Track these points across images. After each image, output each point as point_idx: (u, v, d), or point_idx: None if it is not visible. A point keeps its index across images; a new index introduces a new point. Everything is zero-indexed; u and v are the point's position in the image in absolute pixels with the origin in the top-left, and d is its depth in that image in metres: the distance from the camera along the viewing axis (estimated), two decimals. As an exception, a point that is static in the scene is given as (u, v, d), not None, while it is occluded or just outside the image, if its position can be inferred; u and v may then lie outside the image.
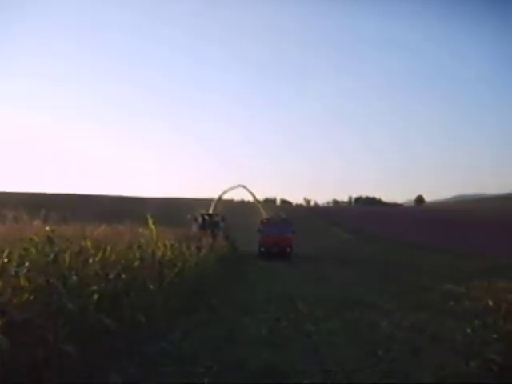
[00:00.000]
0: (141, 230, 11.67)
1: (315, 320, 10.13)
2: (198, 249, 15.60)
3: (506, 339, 8.38)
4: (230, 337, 8.24)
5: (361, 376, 6.26)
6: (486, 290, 15.65)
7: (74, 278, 5.86)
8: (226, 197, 44.95)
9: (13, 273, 5.03)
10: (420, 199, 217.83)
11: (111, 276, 6.92)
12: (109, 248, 7.75)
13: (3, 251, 5.33)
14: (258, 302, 12.58)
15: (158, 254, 10.26)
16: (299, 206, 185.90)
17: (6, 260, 5.18)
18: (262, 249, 34.13)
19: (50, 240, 6.19)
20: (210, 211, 36.78)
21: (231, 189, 44.52)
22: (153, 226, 11.14)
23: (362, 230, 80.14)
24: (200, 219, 33.70)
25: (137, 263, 8.41)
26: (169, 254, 11.15)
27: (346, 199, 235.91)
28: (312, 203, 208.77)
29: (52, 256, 5.84)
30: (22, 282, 4.94)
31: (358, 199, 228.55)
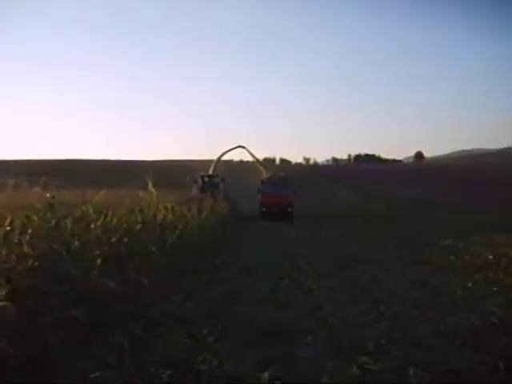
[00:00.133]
0: (141, 193, 11.63)
1: (317, 278, 10.22)
2: (199, 211, 15.64)
3: (505, 292, 8.49)
4: (233, 296, 8.33)
5: (363, 331, 6.35)
6: (486, 244, 15.73)
7: (77, 243, 5.88)
8: (225, 158, 44.76)
9: (16, 240, 5.05)
10: (419, 155, 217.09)
11: (113, 240, 6.96)
12: (110, 212, 7.75)
13: (5, 219, 5.32)
14: (261, 261, 12.67)
15: (159, 216, 10.29)
16: (298, 165, 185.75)
17: (8, 228, 5.18)
18: (263, 209, 33.77)
19: (51, 206, 6.19)
20: (210, 173, 36.57)
21: (231, 150, 44.35)
22: (153, 189, 11.13)
23: (362, 188, 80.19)
24: (200, 181, 33.43)
25: (138, 227, 8.42)
26: (170, 216, 11.17)
27: (345, 157, 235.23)
28: (311, 161, 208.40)
29: (54, 222, 5.84)
30: (26, 249, 4.96)
31: (358, 156, 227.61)
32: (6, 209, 6.83)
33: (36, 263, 4.85)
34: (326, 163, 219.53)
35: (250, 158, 50.08)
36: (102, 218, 7.29)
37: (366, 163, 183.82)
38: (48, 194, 6.73)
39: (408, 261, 12.65)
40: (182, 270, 10.06)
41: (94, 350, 5.20)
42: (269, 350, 5.47)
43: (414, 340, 5.94)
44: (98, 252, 6.11)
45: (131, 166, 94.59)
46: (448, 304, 7.87)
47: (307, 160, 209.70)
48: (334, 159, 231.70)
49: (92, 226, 6.81)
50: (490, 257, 12.72)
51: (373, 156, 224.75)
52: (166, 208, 11.30)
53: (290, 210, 33.22)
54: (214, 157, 41.37)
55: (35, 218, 5.86)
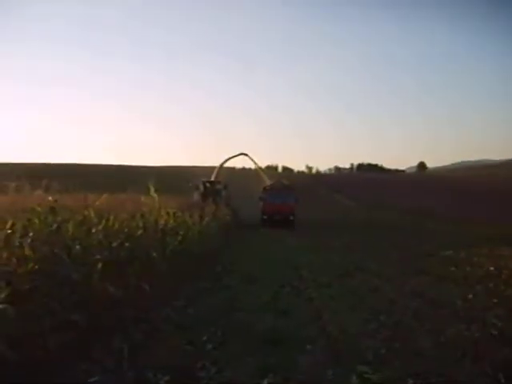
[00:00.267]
0: (143, 198, 11.65)
1: (318, 286, 10.22)
2: (201, 217, 15.64)
3: (506, 304, 8.47)
4: (233, 303, 8.33)
5: (363, 340, 6.33)
6: (487, 256, 15.72)
7: (78, 247, 5.89)
8: (227, 165, 44.73)
9: (17, 243, 5.06)
10: (422, 165, 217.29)
11: (114, 245, 6.96)
12: (112, 217, 7.77)
13: (6, 222, 5.33)
14: (261, 269, 12.67)
15: (161, 222, 10.29)
16: (301, 173, 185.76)
17: (9, 231, 5.18)
18: (265, 217, 33.52)
19: (52, 210, 6.20)
20: (212, 179, 36.52)
21: (233, 157, 44.32)
22: (155, 195, 11.14)
23: (364, 197, 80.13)
24: (201, 187, 33.31)
25: (140, 232, 8.43)
26: (171, 222, 11.18)
27: (347, 166, 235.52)
28: (314, 170, 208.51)
29: (55, 226, 5.85)
30: (27, 252, 4.96)
31: (360, 166, 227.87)
32: (8, 212, 6.84)
33: (37, 266, 4.85)
34: (328, 172, 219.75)
35: (253, 166, 50.01)
36: (104, 222, 7.31)
37: (369, 173, 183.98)
38: (50, 198, 6.75)
39: (409, 271, 12.64)
40: (182, 275, 10.07)
41: (93, 354, 5.20)
42: (268, 358, 5.47)
43: (413, 350, 5.93)
44: (98, 256, 6.10)
45: (133, 171, 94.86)
46: (448, 315, 7.86)
47: (310, 168, 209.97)
48: (337, 168, 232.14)
49: (93, 230, 6.81)
50: (491, 268, 12.72)
51: (375, 166, 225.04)
52: (167, 214, 11.30)
53: (291, 218, 33.02)
54: (217, 163, 41.35)
55: (37, 221, 5.88)
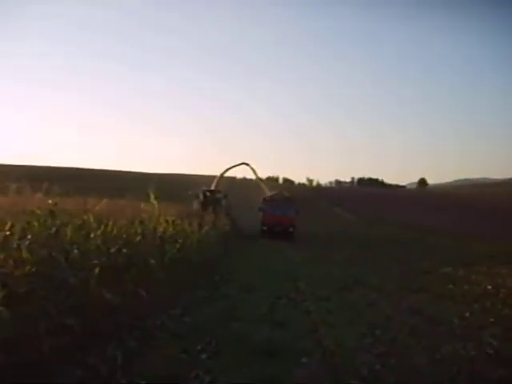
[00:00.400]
0: (143, 205, 11.65)
1: (315, 299, 10.19)
2: (200, 226, 15.64)
3: (503, 323, 8.44)
4: (230, 313, 8.31)
5: (358, 355, 6.30)
6: (485, 274, 15.69)
7: (76, 251, 5.88)
8: (228, 174, 44.69)
9: (15, 245, 5.05)
10: (423, 182, 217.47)
11: (113, 250, 6.95)
12: (110, 223, 7.76)
13: (5, 224, 5.33)
14: (259, 279, 12.65)
15: (160, 229, 10.29)
16: (301, 186, 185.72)
17: (8, 233, 5.18)
18: (264, 228, 33.31)
19: (52, 213, 6.20)
20: (212, 188, 36.42)
21: (234, 166, 44.26)
22: (155, 202, 11.14)
23: (364, 211, 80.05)
24: (201, 196, 33.18)
25: (138, 238, 8.43)
26: (170, 230, 11.17)
27: (348, 180, 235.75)
28: (314, 183, 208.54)
29: (54, 229, 5.86)
30: (24, 254, 4.96)
31: (361, 180, 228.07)
32: (8, 213, 6.84)
33: (34, 269, 4.85)
34: (329, 185, 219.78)
35: (254, 176, 49.81)
36: (103, 227, 7.30)
37: (369, 187, 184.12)
38: (50, 201, 6.75)
39: (407, 287, 12.59)
40: (180, 284, 10.04)
41: (87, 360, 5.16)
42: (263, 369, 5.44)
43: (409, 367, 5.90)
44: (96, 261, 6.09)
45: (134, 177, 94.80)
46: (445, 332, 7.83)
47: (310, 181, 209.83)
48: (338, 181, 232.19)
49: (92, 235, 6.81)
50: (489, 287, 12.68)
51: (376, 180, 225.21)
52: (166, 221, 11.30)
53: (291, 230, 32.90)
54: (218, 172, 41.25)
55: (36, 224, 5.87)
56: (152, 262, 8.17)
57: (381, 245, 30.63)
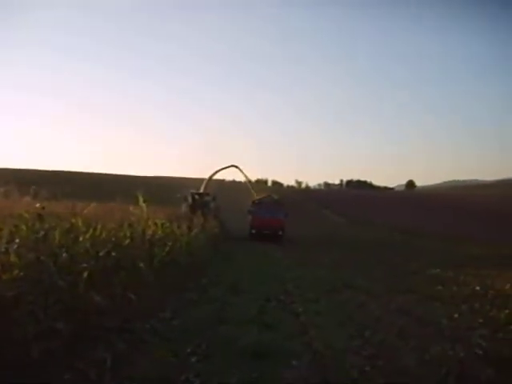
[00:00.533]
0: (131, 208, 11.61)
1: (305, 301, 10.20)
2: (189, 228, 15.62)
3: (491, 324, 8.49)
4: (219, 316, 8.30)
5: (348, 357, 6.32)
6: (474, 275, 15.79)
7: (64, 255, 5.85)
8: (217, 177, 44.53)
9: (2, 249, 5.02)
10: (411, 184, 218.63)
11: (101, 254, 6.91)
12: (99, 226, 7.73)
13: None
14: (248, 282, 12.64)
15: (149, 232, 10.26)
16: (290, 188, 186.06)
17: (-5, 236, 5.15)
18: (253, 231, 33.28)
19: (40, 217, 6.17)
20: (201, 190, 36.26)
21: (223, 168, 44.15)
22: (143, 205, 11.11)
23: (353, 214, 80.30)
24: (190, 199, 32.99)
25: (127, 242, 8.39)
26: (159, 233, 11.15)
27: (337, 182, 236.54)
28: (303, 185, 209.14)
29: (42, 233, 5.82)
30: (12, 258, 4.93)
31: (349, 182, 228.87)
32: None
33: (22, 273, 4.82)
34: (317, 187, 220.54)
35: (243, 179, 49.67)
36: (91, 231, 7.27)
37: (358, 189, 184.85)
38: (38, 204, 6.72)
39: (395, 288, 12.63)
40: (169, 287, 10.02)
41: (76, 364, 5.13)
42: (253, 372, 5.44)
43: (398, 368, 5.92)
44: (85, 265, 6.06)
45: (122, 181, 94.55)
46: (434, 333, 7.87)
47: (299, 183, 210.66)
48: (326, 184, 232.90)
49: (80, 238, 6.77)
50: (478, 288, 12.76)
51: (364, 182, 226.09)
52: (155, 224, 11.28)
53: (280, 233, 32.88)
54: (206, 175, 41.10)
55: (24, 227, 5.84)
56: (141, 265, 8.14)
57: (369, 247, 30.73)
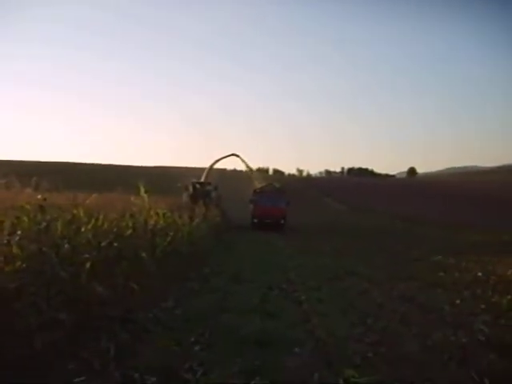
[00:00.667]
0: (133, 198, 11.60)
1: (307, 289, 10.21)
2: (191, 218, 15.62)
3: (493, 310, 8.50)
4: (222, 305, 8.33)
5: (350, 344, 6.34)
6: (475, 262, 15.80)
7: (67, 246, 5.86)
8: (218, 166, 44.46)
9: (5, 241, 5.03)
10: (412, 171, 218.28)
11: (103, 244, 6.92)
12: (101, 216, 7.73)
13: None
14: (250, 271, 12.65)
15: (151, 222, 10.27)
16: (292, 176, 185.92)
17: (-3, 228, 5.16)
18: (255, 220, 33.35)
19: (41, 208, 6.17)
20: (202, 180, 36.12)
21: (224, 157, 44.07)
22: (145, 195, 11.10)
23: (354, 201, 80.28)
24: (191, 188, 32.83)
25: (129, 232, 8.40)
26: (161, 222, 11.16)
27: (338, 170, 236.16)
28: (304, 173, 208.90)
29: (44, 224, 5.82)
30: (14, 250, 4.94)
31: (351, 170, 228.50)
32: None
33: (24, 265, 4.83)
34: (319, 175, 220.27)
35: (244, 168, 49.51)
36: (93, 221, 7.26)
37: (359, 177, 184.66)
38: (39, 196, 6.71)
39: (397, 275, 12.63)
40: (171, 276, 10.04)
41: (80, 354, 5.15)
42: (256, 360, 5.46)
43: (401, 354, 5.94)
44: (87, 256, 6.07)
45: (124, 171, 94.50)
46: (436, 320, 7.89)
47: (300, 172, 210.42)
48: (328, 172, 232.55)
49: (82, 229, 6.77)
50: (479, 274, 12.78)
51: (366, 170, 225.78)
52: (157, 214, 11.27)
53: (282, 222, 32.87)
54: (208, 165, 41.02)
55: (25, 219, 5.84)
56: (143, 254, 8.15)
57: (371, 234, 30.74)
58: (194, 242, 14.02)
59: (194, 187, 32.68)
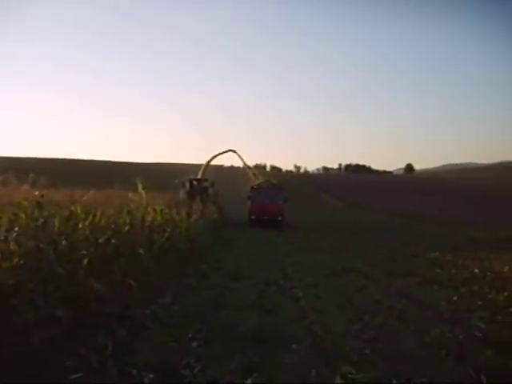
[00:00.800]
0: (130, 194, 11.58)
1: (304, 286, 10.22)
2: (188, 214, 15.61)
3: (490, 307, 8.53)
4: (219, 301, 8.33)
5: (348, 340, 6.35)
6: (472, 258, 15.83)
7: (64, 242, 5.84)
8: (215, 162, 44.32)
9: (2, 237, 5.02)
10: (409, 167, 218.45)
11: (101, 241, 6.91)
12: (98, 213, 7.71)
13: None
14: (248, 267, 12.65)
15: (148, 219, 10.26)
16: (289, 173, 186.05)
17: (-6, 224, 5.15)
18: (252, 216, 33.12)
19: (39, 205, 6.16)
20: (199, 176, 36.00)
21: (221, 153, 43.93)
22: (142, 191, 11.09)
23: (352, 198, 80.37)
24: (188, 184, 32.67)
25: (126, 228, 8.39)
26: (159, 219, 11.15)
27: (335, 166, 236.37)
28: (302, 170, 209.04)
29: (41, 221, 5.81)
30: (12, 246, 4.93)
31: (348, 166, 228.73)
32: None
33: (22, 261, 4.82)
34: (316, 172, 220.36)
35: (241, 164, 49.34)
36: (91, 218, 7.25)
37: (356, 173, 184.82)
38: (36, 192, 6.70)
39: (395, 272, 12.66)
40: (169, 272, 10.04)
41: (77, 351, 5.16)
42: (253, 356, 5.47)
43: (398, 351, 5.95)
44: (85, 252, 6.06)
45: (121, 167, 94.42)
46: (433, 316, 7.91)
47: (298, 168, 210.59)
48: (325, 168, 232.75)
49: (80, 225, 6.76)
50: (476, 270, 12.80)
51: (363, 166, 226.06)
52: (154, 210, 11.27)
53: (280, 218, 32.71)
54: (204, 161, 40.87)
55: (23, 215, 5.83)
56: (140, 251, 8.15)
57: (368, 231, 30.77)
58: (192, 239, 14.02)
59: (191, 184, 32.54)
